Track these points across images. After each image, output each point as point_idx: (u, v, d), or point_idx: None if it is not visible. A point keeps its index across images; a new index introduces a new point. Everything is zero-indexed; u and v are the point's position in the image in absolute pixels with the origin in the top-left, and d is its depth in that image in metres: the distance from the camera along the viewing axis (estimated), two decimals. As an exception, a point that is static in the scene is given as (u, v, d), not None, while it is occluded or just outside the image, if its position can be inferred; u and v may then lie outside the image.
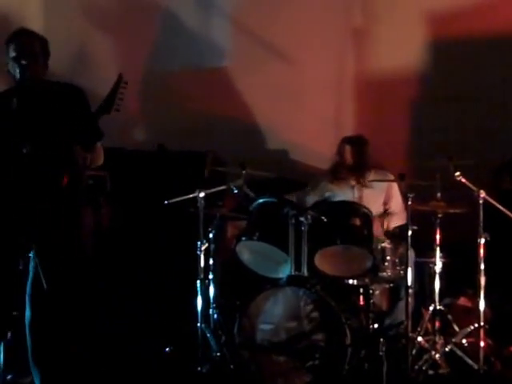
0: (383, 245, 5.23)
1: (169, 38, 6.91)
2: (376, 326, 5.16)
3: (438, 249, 5.16)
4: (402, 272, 5.19)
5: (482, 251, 4.98)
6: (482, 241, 4.97)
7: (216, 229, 5.37)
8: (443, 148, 6.10)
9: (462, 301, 5.51)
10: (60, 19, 6.81)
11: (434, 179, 5.17)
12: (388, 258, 5.23)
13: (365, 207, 5.21)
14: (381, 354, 4.85)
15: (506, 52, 6.41)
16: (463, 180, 5.03)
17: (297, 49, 6.59)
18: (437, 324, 5.17)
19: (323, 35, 6.56)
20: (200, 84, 6.76)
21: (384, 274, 5.23)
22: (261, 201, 5.24)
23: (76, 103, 4.28)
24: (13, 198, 4.11)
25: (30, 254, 4.15)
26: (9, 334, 4.29)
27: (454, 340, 5.08)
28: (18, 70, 4.24)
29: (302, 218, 4.99)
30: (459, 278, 5.44)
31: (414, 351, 4.99)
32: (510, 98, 6.39)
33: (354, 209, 5.21)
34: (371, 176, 5.55)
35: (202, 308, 5.14)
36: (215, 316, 5.29)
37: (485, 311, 4.99)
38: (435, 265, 5.16)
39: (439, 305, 5.16)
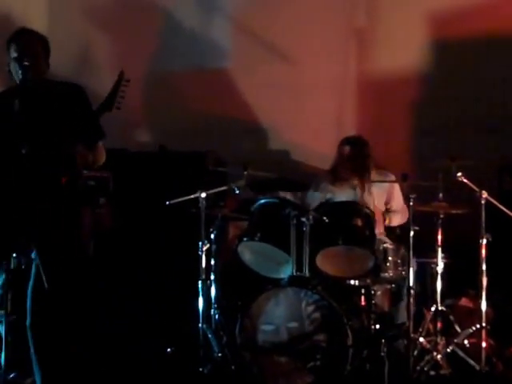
0: (385, 245, 5.23)
1: (170, 39, 6.91)
2: (378, 326, 5.15)
3: (439, 249, 5.16)
4: (403, 273, 5.19)
5: (483, 252, 4.98)
6: (484, 241, 4.98)
7: (217, 229, 5.37)
8: (445, 148, 6.10)
9: (464, 301, 5.50)
10: (63, 20, 6.81)
11: (435, 180, 5.17)
12: (390, 258, 5.23)
13: (367, 208, 5.21)
14: (382, 354, 4.86)
15: (507, 52, 6.40)
16: (465, 180, 5.03)
17: (298, 49, 6.59)
18: (438, 325, 5.17)
19: (325, 35, 6.56)
20: (201, 84, 6.76)
21: (386, 274, 5.23)
22: (262, 201, 5.24)
23: (77, 102, 4.27)
24: (12, 199, 4.10)
25: (32, 255, 4.15)
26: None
27: (455, 341, 5.07)
28: (19, 71, 4.23)
29: (303, 219, 4.99)
30: (461, 279, 5.44)
31: (415, 352, 4.99)
32: (510, 97, 6.38)
33: (356, 209, 5.20)
34: (373, 176, 5.54)
35: (203, 308, 5.14)
36: (217, 316, 5.29)
37: (487, 312, 5.00)
38: (437, 265, 5.17)
39: (441, 305, 5.17)
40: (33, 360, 4.19)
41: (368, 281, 5.18)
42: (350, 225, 5.12)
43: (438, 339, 5.11)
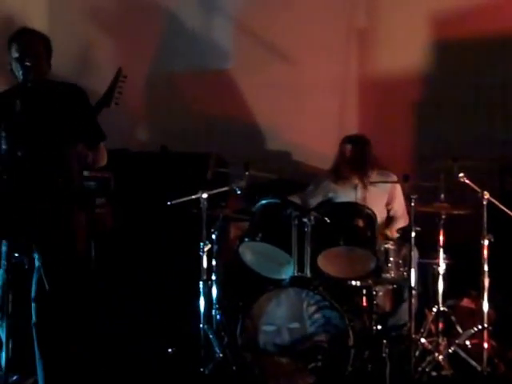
0: (386, 246, 5.23)
1: (171, 40, 6.91)
2: (379, 327, 5.15)
3: (441, 250, 5.15)
4: (405, 273, 5.18)
5: (485, 252, 4.98)
6: (486, 242, 4.97)
7: (219, 230, 5.37)
8: (446, 149, 6.09)
9: (466, 302, 5.50)
10: (63, 21, 6.81)
11: (437, 180, 5.17)
12: (391, 259, 5.22)
13: (368, 208, 5.20)
14: (384, 355, 4.85)
15: (508, 53, 6.40)
16: (467, 181, 5.02)
17: (299, 50, 6.58)
18: (440, 325, 5.16)
19: (325, 36, 6.56)
20: (202, 85, 6.76)
21: (387, 275, 5.22)
22: (264, 202, 5.23)
23: (78, 103, 4.27)
24: (9, 200, 4.09)
25: (35, 255, 4.15)
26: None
27: (457, 341, 5.06)
28: (21, 71, 4.22)
29: (305, 219, 4.98)
30: (463, 280, 5.43)
31: (417, 353, 4.99)
32: (511, 98, 6.38)
33: (358, 210, 5.20)
34: (374, 176, 5.54)
35: (204, 309, 5.14)
36: (218, 317, 5.29)
37: (488, 313, 4.99)
38: (439, 266, 5.16)
39: (443, 306, 5.15)
40: (36, 358, 4.20)
41: (369, 281, 5.17)
42: (352, 225, 5.11)
43: (440, 340, 5.10)
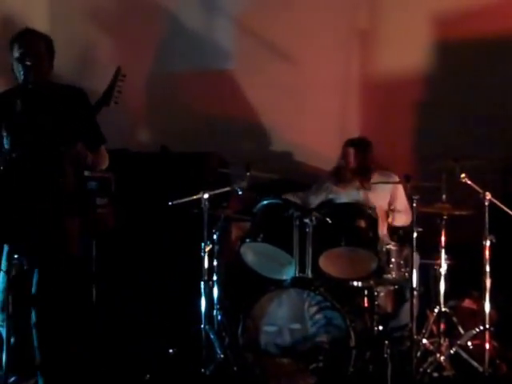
0: (388, 247, 5.23)
1: (172, 40, 6.90)
2: (381, 327, 5.14)
3: (443, 251, 5.15)
4: (406, 274, 5.18)
5: (487, 253, 4.98)
6: (488, 243, 4.97)
7: (220, 230, 5.36)
8: (448, 150, 6.08)
9: (467, 303, 5.49)
10: (64, 21, 6.80)
11: (439, 181, 5.16)
12: (393, 259, 5.23)
13: (370, 209, 5.19)
14: (385, 356, 4.85)
15: (510, 53, 6.38)
16: (469, 182, 5.02)
17: (301, 50, 6.57)
18: (442, 326, 5.15)
19: (328, 36, 6.54)
20: (203, 85, 6.75)
21: (389, 275, 5.22)
22: (265, 202, 5.23)
23: (79, 105, 4.28)
24: (9, 200, 4.08)
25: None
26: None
27: (459, 342, 5.06)
28: (21, 71, 4.22)
29: (306, 220, 4.98)
30: (464, 280, 5.43)
31: (418, 353, 4.99)
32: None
33: (359, 210, 5.19)
34: (376, 177, 5.54)
35: (205, 309, 5.13)
36: (219, 317, 5.29)
37: (490, 313, 4.99)
38: (440, 267, 5.15)
39: (444, 307, 5.15)
40: (36, 358, 4.20)
41: (371, 282, 5.17)
42: (353, 226, 5.11)
43: (442, 341, 5.09)
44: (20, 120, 4.15)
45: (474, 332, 5.05)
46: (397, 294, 5.37)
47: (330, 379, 4.74)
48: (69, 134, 4.15)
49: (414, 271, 5.01)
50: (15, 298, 4.12)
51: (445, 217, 5.13)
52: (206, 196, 5.17)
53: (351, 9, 6.59)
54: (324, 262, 5.05)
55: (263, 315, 4.85)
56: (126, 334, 5.43)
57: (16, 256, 4.17)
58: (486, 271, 4.96)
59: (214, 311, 5.28)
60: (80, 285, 4.52)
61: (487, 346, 4.92)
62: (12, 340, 4.17)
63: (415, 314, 5.00)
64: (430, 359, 4.99)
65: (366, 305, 5.22)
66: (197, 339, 5.07)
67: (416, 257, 5.09)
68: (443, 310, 5.14)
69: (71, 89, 4.36)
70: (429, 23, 6.49)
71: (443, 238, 5.14)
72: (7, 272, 4.11)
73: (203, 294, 5.14)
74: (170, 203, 5.29)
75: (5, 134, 4.20)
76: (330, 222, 5.05)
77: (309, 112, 6.59)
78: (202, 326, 5.08)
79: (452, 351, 5.02)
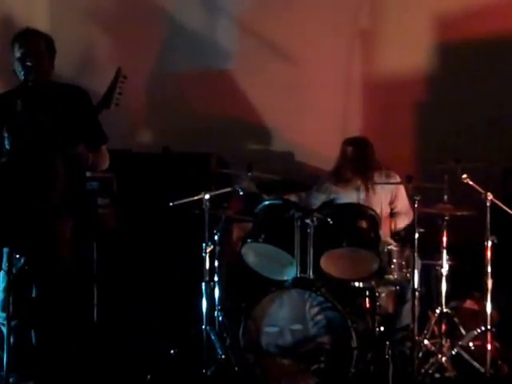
0: (390, 247, 5.22)
1: (174, 41, 6.89)
2: (382, 328, 5.13)
3: (444, 251, 5.15)
4: (408, 275, 5.17)
5: (489, 254, 4.96)
6: (489, 243, 4.96)
7: (221, 231, 5.35)
8: (450, 150, 6.08)
9: (469, 304, 5.49)
10: (65, 22, 6.79)
11: (441, 181, 5.16)
12: (394, 260, 5.22)
13: (371, 209, 5.19)
14: (387, 357, 4.84)
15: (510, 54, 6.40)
16: (470, 182, 5.01)
17: (303, 50, 6.56)
18: (443, 327, 5.15)
19: (329, 36, 6.53)
20: (205, 86, 6.75)
21: (390, 276, 5.21)
22: (266, 203, 5.23)
23: (80, 105, 4.27)
24: (9, 201, 4.08)
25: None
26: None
27: (460, 343, 5.06)
28: (22, 71, 4.22)
29: (307, 220, 4.97)
30: (466, 281, 5.43)
31: (420, 354, 4.98)
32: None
33: (361, 211, 5.18)
34: (376, 177, 5.53)
35: (206, 310, 5.12)
36: (220, 318, 5.28)
37: (492, 314, 4.98)
38: (442, 267, 5.15)
39: (446, 308, 5.15)
40: (36, 358, 4.20)
41: (372, 283, 5.17)
42: (355, 227, 5.10)
43: (443, 341, 5.09)
44: (20, 119, 4.15)
45: (476, 333, 5.05)
46: (398, 295, 5.36)
47: (332, 380, 4.73)
48: (70, 133, 4.15)
49: (416, 272, 5.00)
50: (15, 298, 4.13)
51: (446, 217, 5.13)
52: (207, 196, 5.16)
53: (352, 9, 6.59)
54: (325, 263, 5.04)
55: (264, 316, 4.84)
56: (127, 335, 5.43)
57: (17, 256, 4.18)
58: (487, 272, 4.95)
59: (215, 312, 5.27)
60: (79, 285, 4.51)
61: (489, 346, 4.90)
62: (12, 340, 4.17)
63: (417, 314, 4.98)
64: (432, 360, 4.98)
65: (367, 305, 5.21)
66: (198, 340, 5.06)
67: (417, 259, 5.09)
68: (445, 310, 5.14)
69: (72, 88, 4.36)
70: (430, 23, 6.49)
71: (445, 239, 5.14)
72: (7, 272, 4.10)
73: (204, 294, 5.13)
74: (171, 204, 5.27)
75: (6, 134, 4.19)
76: (331, 222, 5.04)
77: (309, 112, 6.58)
78: (203, 326, 5.07)
79: (453, 352, 5.02)
